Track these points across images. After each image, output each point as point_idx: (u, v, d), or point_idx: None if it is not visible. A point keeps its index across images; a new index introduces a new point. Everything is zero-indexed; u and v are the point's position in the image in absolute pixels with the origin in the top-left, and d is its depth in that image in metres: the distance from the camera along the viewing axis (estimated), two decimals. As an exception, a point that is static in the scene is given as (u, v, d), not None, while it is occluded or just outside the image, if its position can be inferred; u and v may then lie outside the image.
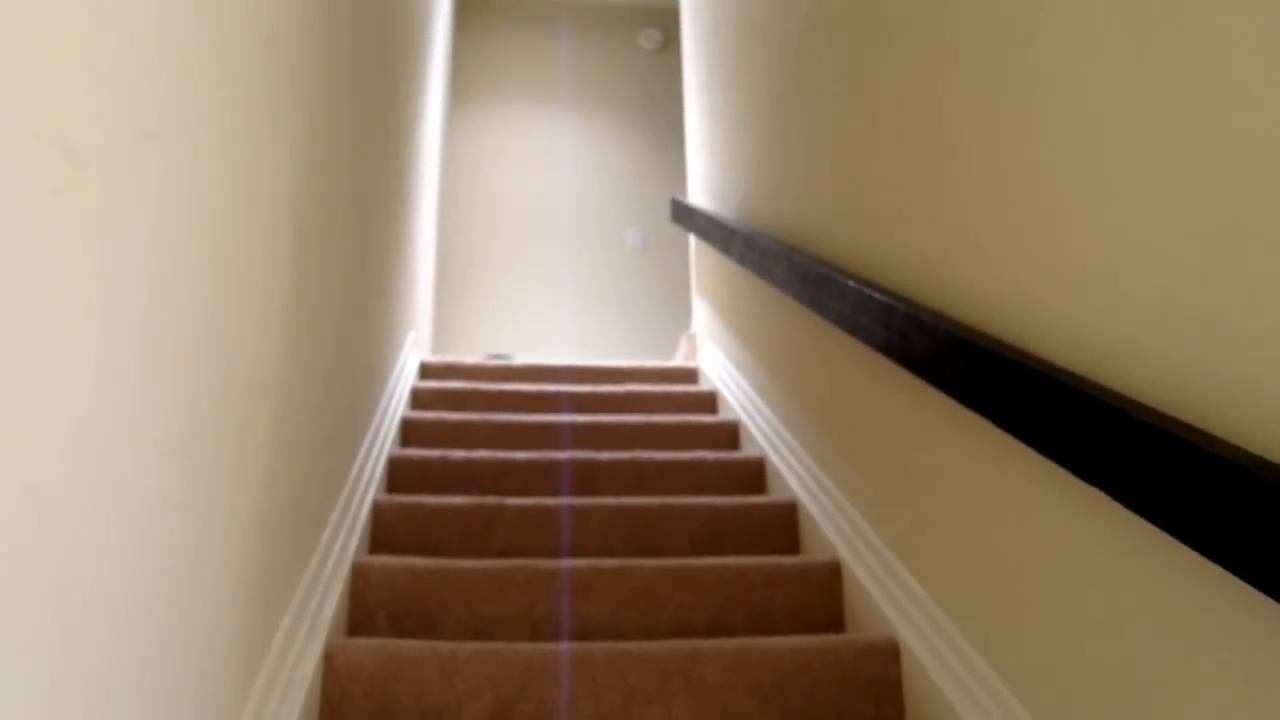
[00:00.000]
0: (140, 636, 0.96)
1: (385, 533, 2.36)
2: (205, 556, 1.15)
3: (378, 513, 2.39)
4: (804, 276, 2.41)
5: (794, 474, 2.64)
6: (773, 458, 2.82)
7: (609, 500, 2.47)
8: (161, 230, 0.98)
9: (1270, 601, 1.00)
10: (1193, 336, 1.11)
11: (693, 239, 4.55)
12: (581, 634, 2.05)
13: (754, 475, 2.87)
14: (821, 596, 2.15)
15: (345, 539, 2.06)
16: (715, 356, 3.87)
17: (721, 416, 3.40)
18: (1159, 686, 1.19)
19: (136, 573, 0.94)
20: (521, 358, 4.15)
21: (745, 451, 3.08)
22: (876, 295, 1.92)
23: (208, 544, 1.16)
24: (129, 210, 0.90)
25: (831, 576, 2.17)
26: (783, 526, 2.51)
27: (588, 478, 2.78)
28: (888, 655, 1.84)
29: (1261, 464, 0.96)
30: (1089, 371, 1.31)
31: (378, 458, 2.60)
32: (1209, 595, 1.09)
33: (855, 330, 2.04)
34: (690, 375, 4.04)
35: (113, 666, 0.90)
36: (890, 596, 1.95)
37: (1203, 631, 1.11)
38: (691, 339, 4.37)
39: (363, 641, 1.77)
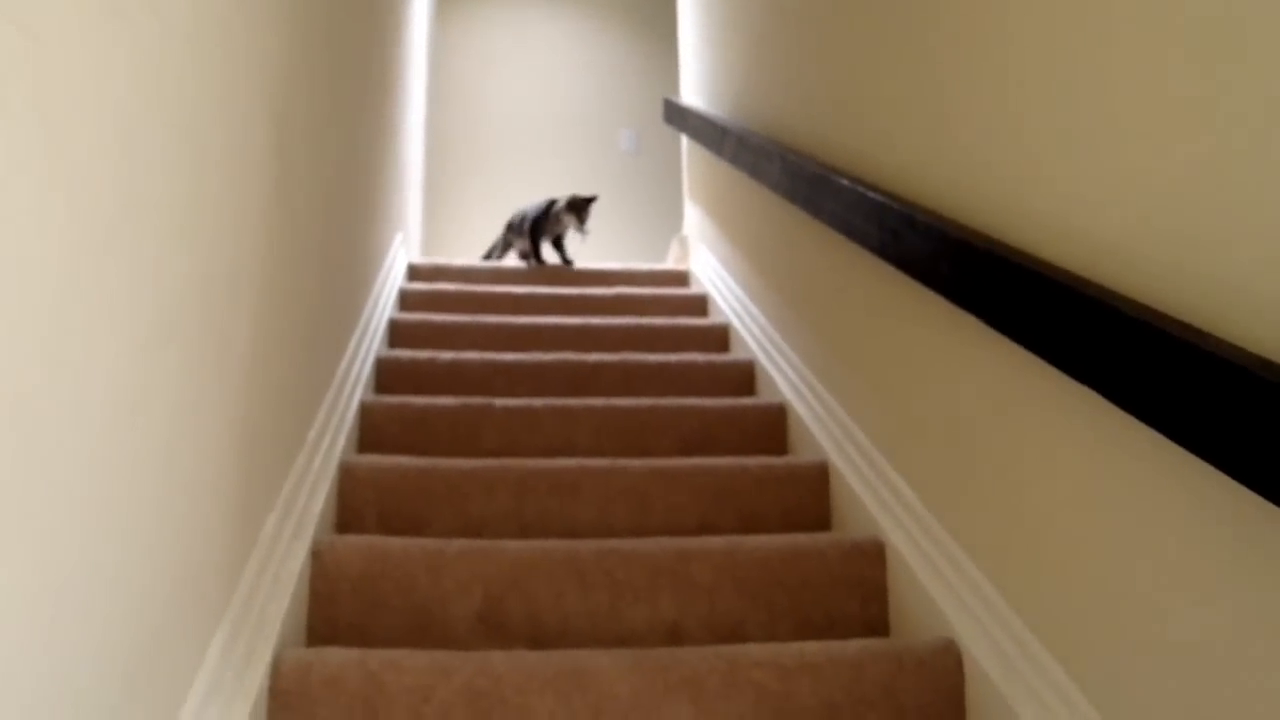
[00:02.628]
0: (116, 532, 0.95)
1: (373, 433, 2.36)
2: (183, 452, 1.14)
3: (365, 413, 2.38)
4: (797, 176, 2.37)
5: (784, 377, 2.63)
6: (763, 360, 2.81)
7: (598, 402, 2.46)
8: (127, 112, 0.94)
9: (1268, 505, 0.99)
10: (1188, 235, 1.09)
11: (685, 141, 4.47)
12: (570, 534, 2.06)
13: (744, 378, 2.86)
14: (809, 498, 2.16)
15: (333, 438, 2.06)
16: (707, 260, 3.83)
17: (712, 320, 3.38)
18: (1148, 582, 1.19)
19: (108, 467, 0.93)
20: (512, 261, 4.11)
21: (735, 354, 3.07)
22: (870, 194, 1.88)
23: (186, 439, 1.14)
24: (90, 90, 0.86)
25: (819, 478, 2.18)
26: (772, 429, 2.51)
27: (577, 380, 2.77)
28: (873, 555, 1.85)
29: (1261, 363, 0.94)
30: (1084, 272, 1.29)
31: (365, 358, 2.58)
32: (1202, 493, 1.09)
33: (848, 231, 2.01)
34: (681, 278, 4.01)
35: (89, 559, 0.89)
36: (877, 497, 1.95)
37: (1192, 525, 1.11)
38: (683, 242, 4.33)
39: (351, 538, 1.77)
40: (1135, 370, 1.10)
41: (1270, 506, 0.98)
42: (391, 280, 3.36)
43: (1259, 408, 0.92)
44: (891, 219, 1.78)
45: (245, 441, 1.41)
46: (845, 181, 2.03)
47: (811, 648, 1.53)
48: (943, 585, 1.66)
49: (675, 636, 1.74)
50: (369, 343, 2.69)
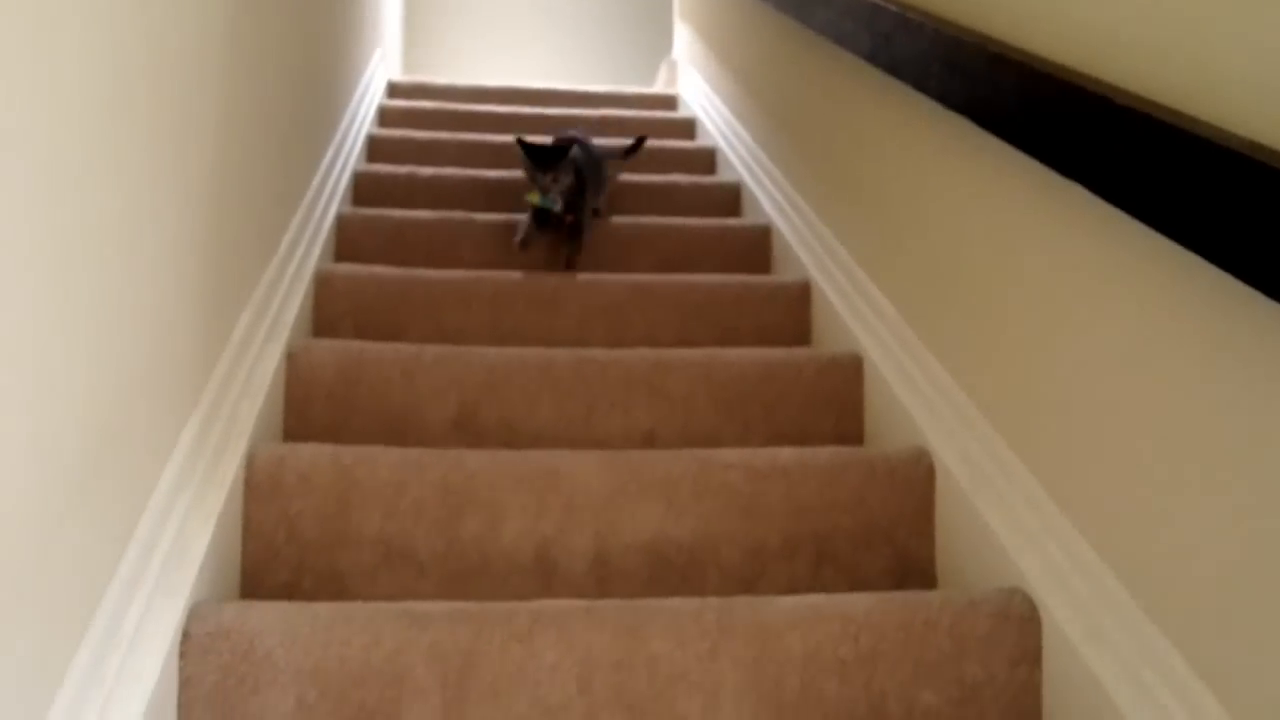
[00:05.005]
0: (78, 303, 0.92)
1: (350, 245, 2.32)
2: (144, 230, 1.10)
3: (342, 225, 2.33)
4: (789, -16, 2.27)
5: (769, 197, 2.58)
6: (748, 182, 2.76)
7: (579, 218, 2.42)
8: None
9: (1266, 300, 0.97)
10: (1179, 20, 1.04)
11: (677, -42, 4.30)
12: (548, 346, 2.05)
13: (729, 199, 2.82)
14: (790, 316, 2.15)
15: (307, 247, 2.02)
16: (695, 83, 3.72)
17: (699, 143, 3.30)
18: (1121, 384, 1.19)
19: (62, 255, 0.89)
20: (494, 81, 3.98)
21: (721, 176, 3.01)
22: (863, -2, 1.81)
23: (146, 226, 1.11)
24: None
25: (800, 296, 2.16)
26: (755, 249, 2.48)
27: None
28: (851, 370, 1.85)
29: (1251, 145, 0.91)
30: (1073, 64, 1.24)
31: (342, 171, 2.52)
32: (1191, 286, 1.07)
33: (839, 38, 1.94)
34: (669, 102, 3.91)
35: (55, 330, 0.86)
36: (857, 313, 1.94)
37: (1177, 320, 1.09)
38: (672, 65, 4.21)
39: (326, 342, 1.76)
40: (1123, 161, 1.07)
41: (1256, 295, 0.96)
42: (370, 96, 3.26)
43: (1248, 191, 0.89)
44: (883, 22, 1.71)
45: (213, 233, 1.37)
46: (838, -14, 1.94)
47: (784, 453, 1.54)
48: (918, 398, 1.66)
49: (650, 445, 1.75)
50: (346, 156, 2.62)
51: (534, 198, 2.19)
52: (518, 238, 2.26)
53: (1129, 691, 1.11)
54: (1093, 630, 1.19)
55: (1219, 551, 1.02)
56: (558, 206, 2.19)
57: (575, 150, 2.23)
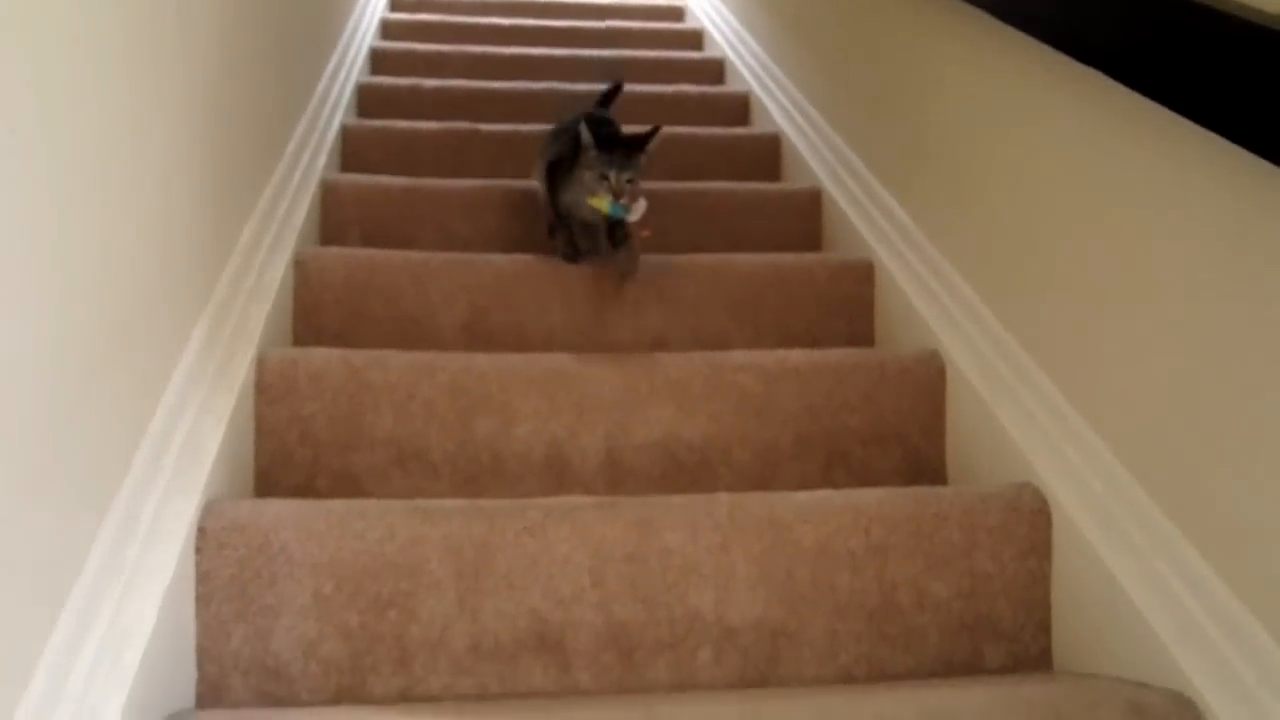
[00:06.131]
0: (86, 216, 0.91)
1: (356, 157, 2.29)
2: (151, 139, 1.09)
3: (347, 136, 2.31)
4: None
5: (779, 106, 2.54)
6: (758, 91, 2.72)
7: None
8: None
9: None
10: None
11: None
12: (556, 254, 2.03)
13: (739, 109, 2.78)
14: (801, 223, 2.13)
15: (312, 155, 2.00)
16: (703, -8, 3.65)
17: (707, 53, 3.24)
18: (1143, 273, 1.18)
19: (74, 152, 0.88)
20: None
21: (730, 86, 2.96)
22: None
23: (152, 126, 1.09)
24: None
25: (811, 203, 2.14)
26: (765, 157, 2.45)
27: (566, 110, 2.68)
28: (862, 273, 1.83)
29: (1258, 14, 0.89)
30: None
31: (345, 82, 2.49)
32: (1209, 170, 1.05)
33: (851, -66, 1.89)
34: (676, 13, 3.83)
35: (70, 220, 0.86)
36: (869, 219, 1.92)
37: (1194, 206, 1.08)
38: (679, -24, 4.12)
39: (334, 250, 1.75)
40: (1138, 40, 1.04)
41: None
42: (373, 8, 3.20)
43: (1260, 59, 0.87)
44: (898, -86, 1.66)
45: (218, 135, 1.35)
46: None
47: (795, 354, 1.54)
48: (930, 300, 1.65)
49: (660, 349, 1.74)
50: (349, 68, 2.58)
51: (602, 203, 1.58)
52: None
53: (1140, 581, 1.12)
54: (1104, 522, 1.19)
55: (1233, 441, 1.02)
56: (635, 216, 1.60)
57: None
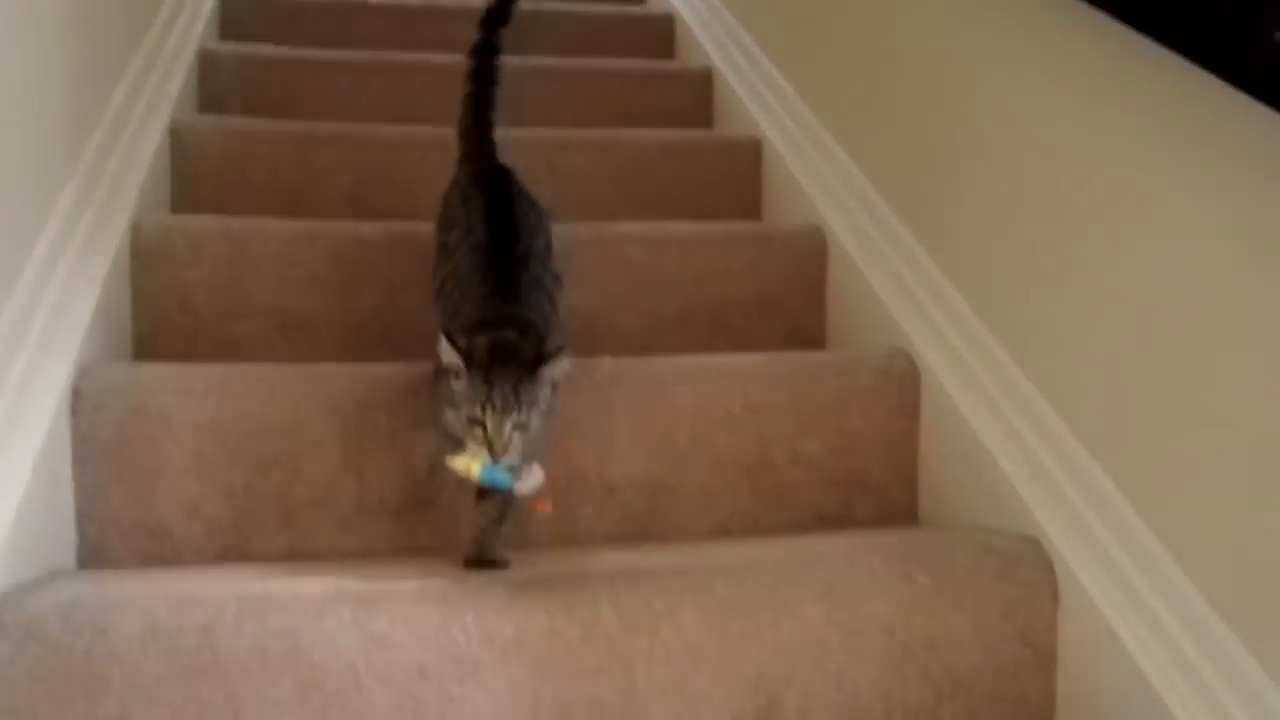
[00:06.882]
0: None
1: (236, 26, 2.21)
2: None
3: (226, 4, 2.22)
4: None
5: (673, -16, 2.52)
6: (653, -31, 2.68)
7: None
8: None
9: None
10: None
11: None
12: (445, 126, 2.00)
13: (633, -11, 2.74)
14: (691, 100, 2.13)
15: (189, 21, 1.92)
16: None
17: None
18: (1012, 133, 1.22)
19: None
20: None
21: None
22: None
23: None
24: None
25: (702, 81, 2.14)
26: (659, 37, 2.43)
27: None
28: (749, 151, 1.85)
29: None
30: None
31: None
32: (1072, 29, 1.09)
33: None
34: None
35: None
36: (758, 96, 1.93)
37: (1062, 69, 1.11)
38: None
39: (212, 118, 1.71)
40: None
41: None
42: None
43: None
44: None
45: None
46: None
47: (681, 226, 1.56)
48: (814, 177, 1.68)
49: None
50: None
51: (471, 465, 0.98)
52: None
53: (998, 436, 1.19)
54: (967, 383, 1.25)
55: (1081, 302, 1.08)
56: (526, 489, 1.01)
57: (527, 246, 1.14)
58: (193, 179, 1.64)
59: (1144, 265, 1.00)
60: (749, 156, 1.84)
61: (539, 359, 0.99)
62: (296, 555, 1.14)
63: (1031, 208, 1.16)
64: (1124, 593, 1.01)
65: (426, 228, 1.47)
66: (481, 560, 1.05)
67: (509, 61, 1.98)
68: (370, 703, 0.90)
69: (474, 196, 1.19)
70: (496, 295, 1.08)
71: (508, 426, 0.95)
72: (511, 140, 1.74)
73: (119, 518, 1.11)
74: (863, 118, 1.56)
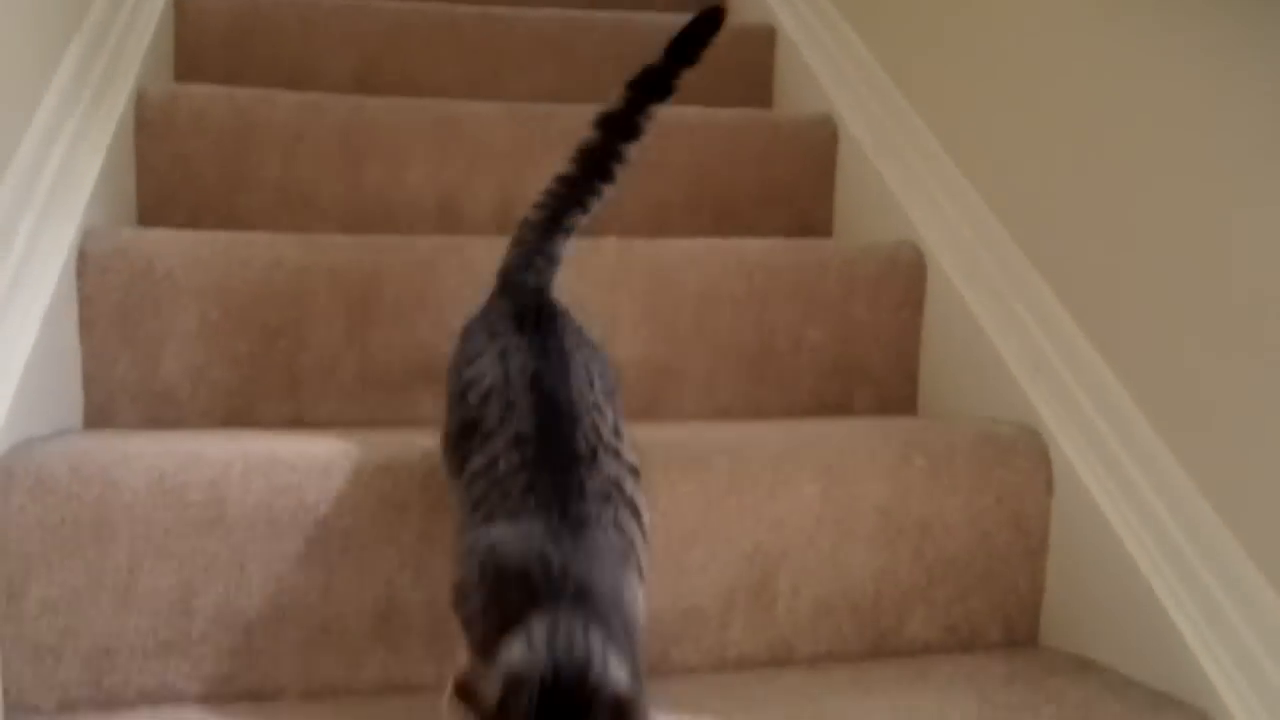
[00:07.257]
0: None
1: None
2: None
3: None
4: None
5: None
6: None
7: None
8: None
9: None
10: None
11: None
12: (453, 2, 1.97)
13: None
14: None
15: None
16: None
17: None
18: (1033, 38, 1.19)
19: None
20: None
21: None
22: None
23: None
24: None
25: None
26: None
27: None
28: (763, 38, 1.82)
29: None
30: None
31: None
32: None
33: None
34: None
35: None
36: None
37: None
38: None
39: (215, -12, 1.67)
40: None
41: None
42: None
43: None
44: None
45: None
46: None
47: (690, 111, 1.54)
48: (828, 65, 1.65)
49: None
50: None
51: None
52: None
53: (1001, 325, 1.19)
54: (973, 272, 1.25)
55: (1086, 191, 1.07)
56: None
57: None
58: (196, 50, 1.62)
59: (1150, 155, 0.99)
60: (763, 43, 1.81)
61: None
62: (300, 423, 1.15)
63: (1052, 103, 1.15)
64: (1118, 483, 1.02)
65: (433, 104, 1.46)
66: None
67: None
68: (377, 557, 0.92)
69: (515, 353, 0.84)
70: (547, 526, 0.70)
71: None
72: (519, 19, 1.72)
73: (125, 381, 1.11)
74: (881, 5, 1.53)
